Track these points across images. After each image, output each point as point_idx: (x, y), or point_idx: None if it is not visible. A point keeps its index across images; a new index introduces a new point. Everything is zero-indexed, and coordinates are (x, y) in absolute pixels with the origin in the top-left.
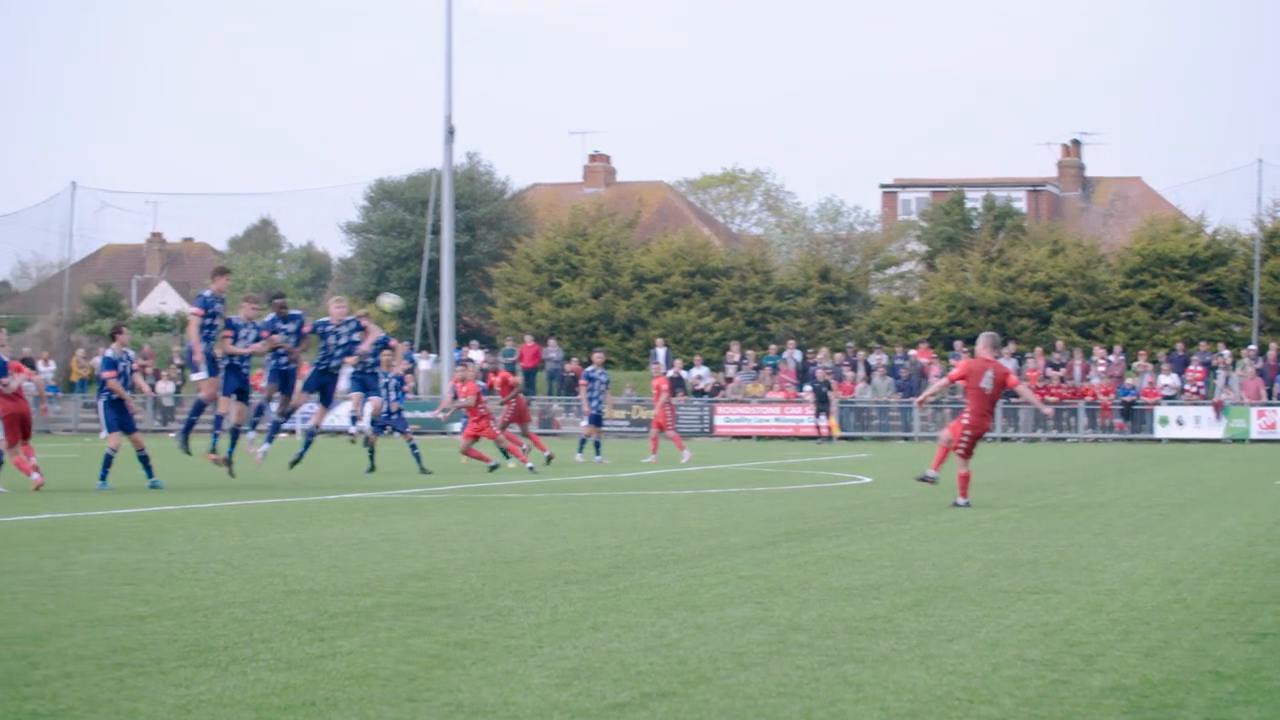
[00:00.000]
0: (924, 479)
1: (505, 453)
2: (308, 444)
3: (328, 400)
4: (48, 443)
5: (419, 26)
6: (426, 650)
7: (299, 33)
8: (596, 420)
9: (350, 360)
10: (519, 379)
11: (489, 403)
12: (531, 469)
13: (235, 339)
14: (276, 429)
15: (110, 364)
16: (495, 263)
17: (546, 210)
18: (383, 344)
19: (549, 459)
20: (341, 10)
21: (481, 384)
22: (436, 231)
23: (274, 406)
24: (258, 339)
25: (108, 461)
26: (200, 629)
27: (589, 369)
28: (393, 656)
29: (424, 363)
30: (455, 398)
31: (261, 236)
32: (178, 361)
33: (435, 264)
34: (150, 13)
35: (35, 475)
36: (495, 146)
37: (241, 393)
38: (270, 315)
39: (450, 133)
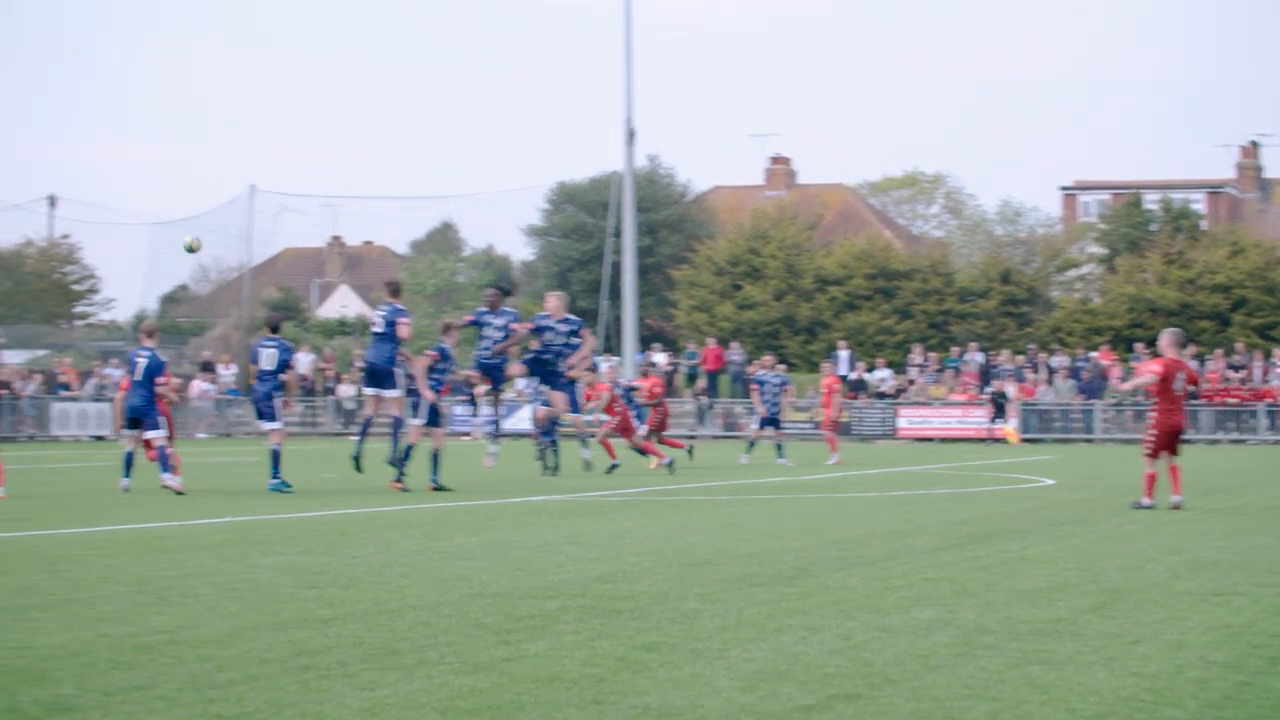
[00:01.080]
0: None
1: (641, 452)
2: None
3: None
4: (228, 446)
5: (599, 28)
6: (612, 653)
7: (478, 34)
8: (773, 423)
9: (567, 362)
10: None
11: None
12: (669, 464)
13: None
14: (498, 430)
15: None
16: (677, 265)
17: (728, 213)
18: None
19: (612, 467)
20: (521, 12)
21: (620, 386)
22: (618, 234)
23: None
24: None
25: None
26: (385, 632)
27: (759, 373)
28: (579, 659)
29: (605, 366)
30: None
31: (443, 240)
32: (359, 365)
33: (617, 267)
34: (329, 16)
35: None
36: (676, 149)
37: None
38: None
39: (631, 135)
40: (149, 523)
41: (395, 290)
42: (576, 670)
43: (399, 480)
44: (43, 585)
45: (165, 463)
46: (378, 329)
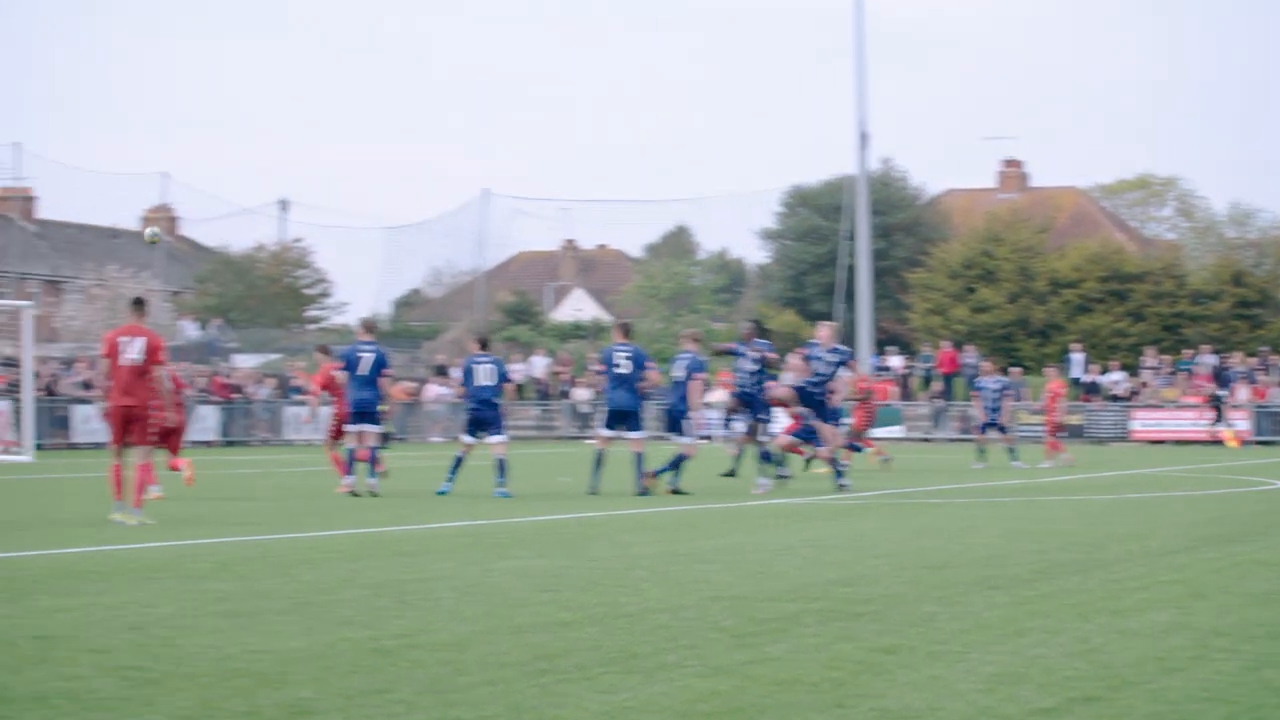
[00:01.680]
0: None
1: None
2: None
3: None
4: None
5: (830, 30)
6: (852, 656)
7: (710, 37)
8: (994, 428)
9: (832, 388)
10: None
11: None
12: (887, 460)
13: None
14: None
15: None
16: (911, 268)
17: (961, 215)
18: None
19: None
20: (754, 14)
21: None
22: (852, 238)
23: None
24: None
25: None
26: (624, 635)
27: (978, 379)
28: (819, 662)
29: (843, 370)
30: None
31: (676, 243)
32: (596, 368)
33: (852, 270)
34: (564, 21)
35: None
36: (908, 152)
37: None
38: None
39: (864, 139)
40: (387, 527)
41: (627, 330)
42: (817, 673)
43: (650, 478)
44: (281, 589)
45: (374, 466)
46: (622, 370)
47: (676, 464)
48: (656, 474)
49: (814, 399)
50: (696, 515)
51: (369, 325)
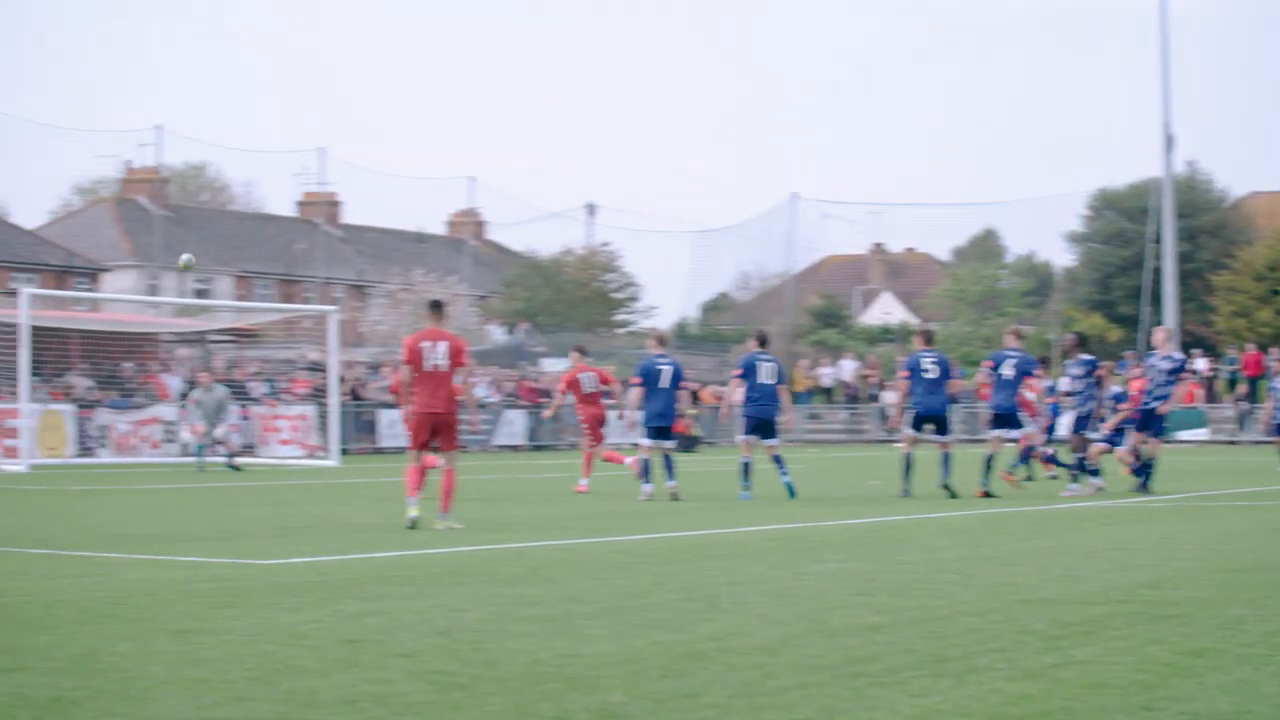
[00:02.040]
0: None
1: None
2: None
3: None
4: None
5: (1134, 30)
6: (1160, 659)
7: (1013, 41)
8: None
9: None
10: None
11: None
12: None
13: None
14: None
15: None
16: (1216, 271)
17: (1265, 218)
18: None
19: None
20: (1060, 15)
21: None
22: (1158, 240)
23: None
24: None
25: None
26: (935, 639)
27: (1273, 380)
28: (1127, 665)
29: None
30: None
31: (984, 246)
32: (901, 374)
33: (1158, 273)
34: (868, 29)
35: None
36: (1213, 153)
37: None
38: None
39: (1170, 141)
40: (697, 530)
41: (930, 337)
42: (1125, 676)
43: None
44: (590, 593)
45: (647, 473)
46: (929, 375)
47: (1025, 458)
48: (1011, 469)
49: (1145, 407)
50: (1003, 519)
51: (661, 338)
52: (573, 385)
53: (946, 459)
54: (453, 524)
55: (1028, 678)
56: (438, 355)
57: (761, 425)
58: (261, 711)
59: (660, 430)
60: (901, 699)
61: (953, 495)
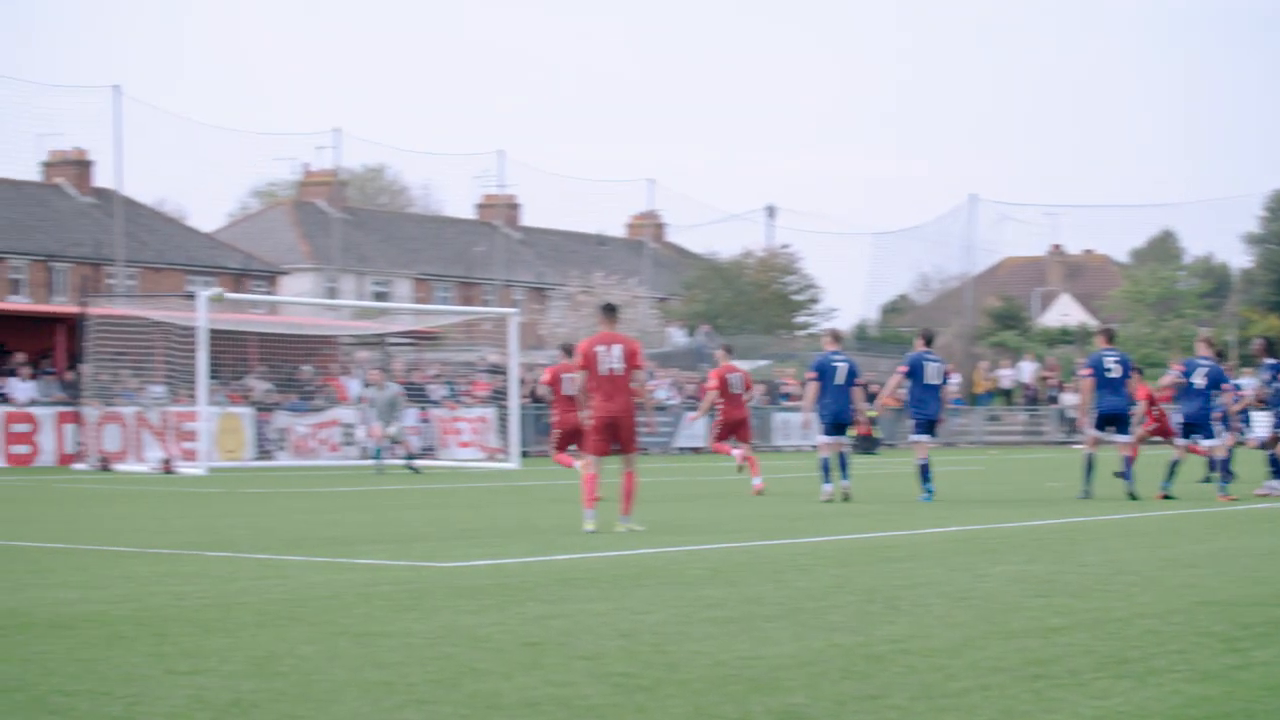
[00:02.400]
0: None
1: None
2: None
3: None
4: (951, 455)
5: None
6: None
7: (1186, 39)
8: None
9: None
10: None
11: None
12: None
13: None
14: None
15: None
16: None
17: None
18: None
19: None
20: (1236, 17)
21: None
22: None
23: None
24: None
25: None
26: (1114, 641)
27: None
28: None
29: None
30: None
31: (1162, 247)
32: (1083, 373)
33: None
34: (1052, 23)
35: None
36: None
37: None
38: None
39: None
40: (876, 532)
41: (1112, 336)
42: None
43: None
44: (771, 595)
45: (827, 473)
46: (1112, 374)
47: (1225, 468)
48: (1222, 487)
49: None
50: (1182, 520)
51: (836, 336)
52: (721, 385)
53: (1127, 462)
54: (634, 526)
55: (1207, 680)
56: (613, 359)
57: (930, 424)
58: (444, 714)
59: (837, 427)
60: (1082, 701)
61: (1133, 497)
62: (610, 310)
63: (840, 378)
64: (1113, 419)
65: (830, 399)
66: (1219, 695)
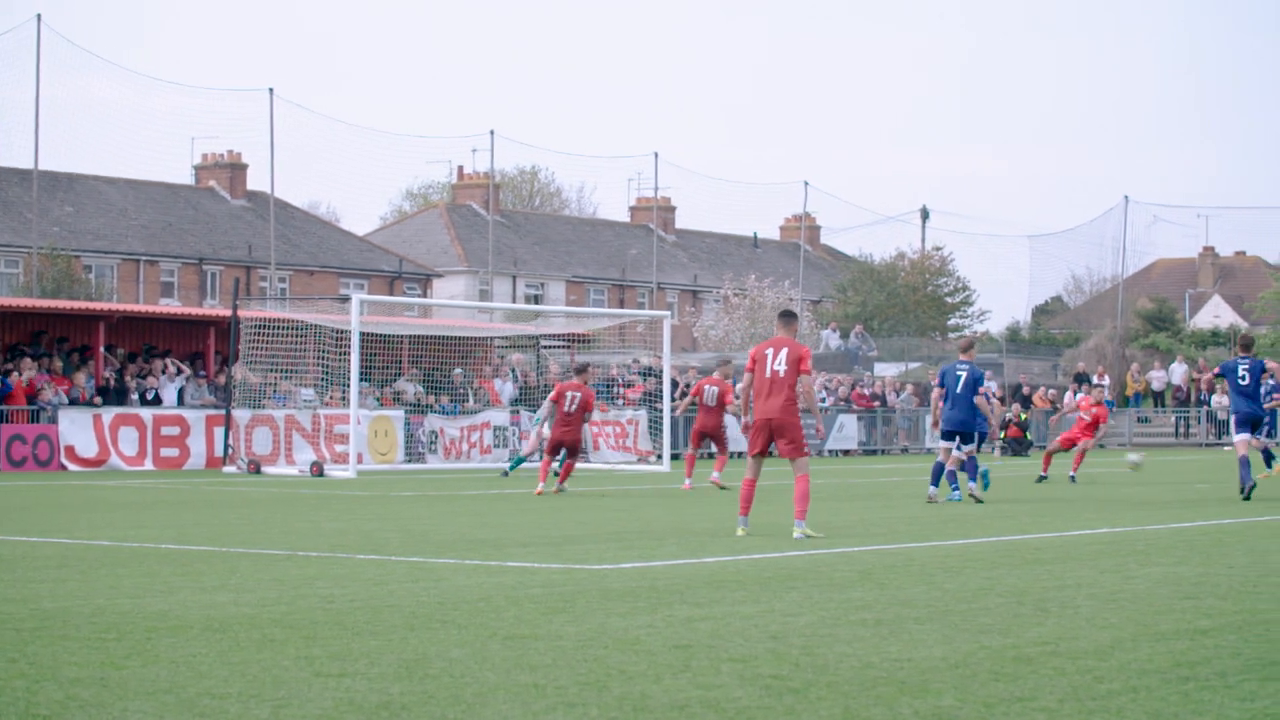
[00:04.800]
0: None
1: None
2: None
3: None
4: (1102, 457)
5: None
6: None
7: None
8: None
9: None
10: None
11: None
12: None
13: None
14: None
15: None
16: None
17: None
18: None
19: None
20: None
21: None
22: None
23: None
24: None
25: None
26: (1263, 643)
27: None
28: None
29: None
30: None
31: None
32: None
33: None
34: (1214, 23)
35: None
36: None
37: None
38: None
39: None
40: (1025, 534)
41: (1248, 345)
42: None
43: None
44: (921, 597)
45: (974, 472)
46: (1244, 381)
47: None
48: None
49: None
50: None
51: (966, 345)
52: (698, 393)
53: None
54: (808, 532)
55: None
56: (777, 362)
57: (952, 433)
58: (593, 716)
59: (950, 434)
60: (1230, 703)
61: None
62: (787, 316)
63: (961, 386)
64: (1249, 423)
65: (949, 406)
66: None
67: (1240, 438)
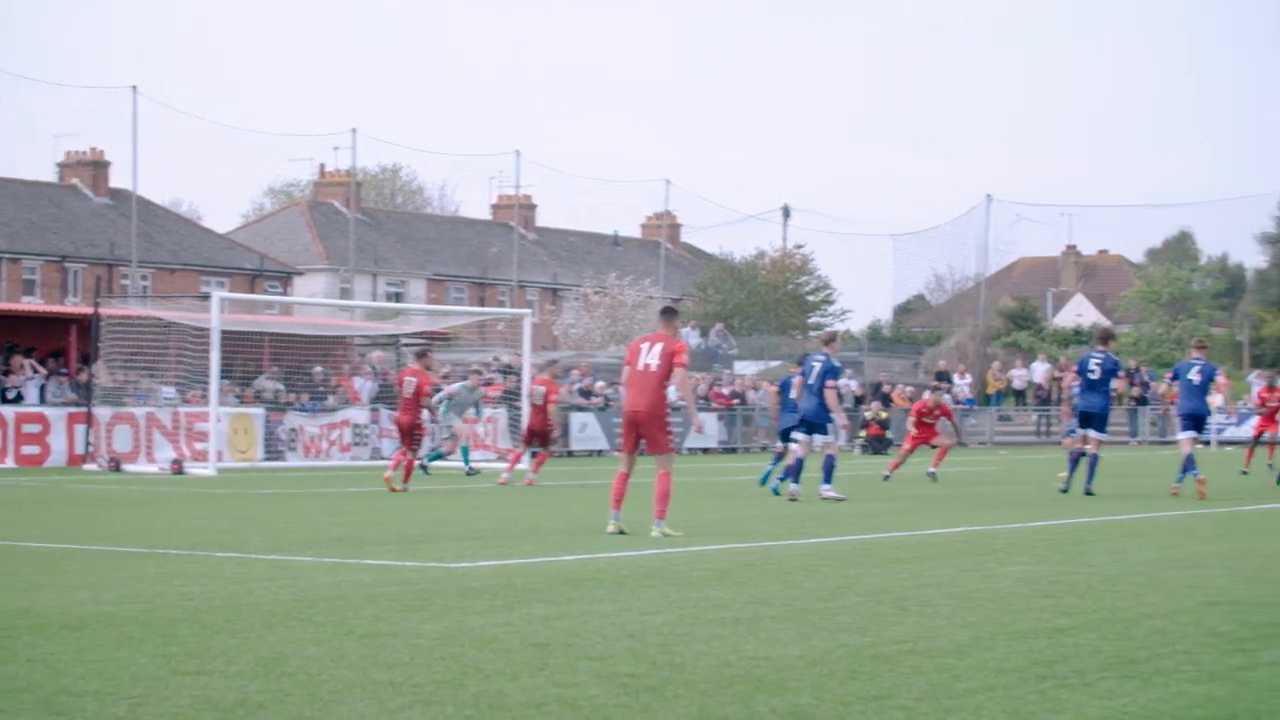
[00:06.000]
0: None
1: None
2: None
3: None
4: (964, 456)
5: None
6: None
7: (1200, 38)
8: None
9: None
10: None
11: None
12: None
13: None
14: None
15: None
16: None
17: None
18: None
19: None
20: (1252, 14)
21: None
22: None
23: None
24: None
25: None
26: (1121, 641)
27: None
28: None
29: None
30: None
31: (1179, 247)
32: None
33: None
34: (1064, 29)
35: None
36: None
37: None
38: None
39: None
40: (884, 533)
41: (1105, 338)
42: None
43: None
44: (778, 596)
45: (797, 474)
46: (1093, 376)
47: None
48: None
49: None
50: (1190, 520)
51: (827, 338)
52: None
53: (1094, 461)
54: (667, 530)
55: (1213, 680)
56: (650, 355)
57: (790, 430)
58: (449, 714)
59: (802, 425)
60: (1088, 701)
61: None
62: (667, 312)
63: (814, 377)
64: (1089, 418)
65: (805, 396)
66: (1225, 696)
67: (1185, 435)
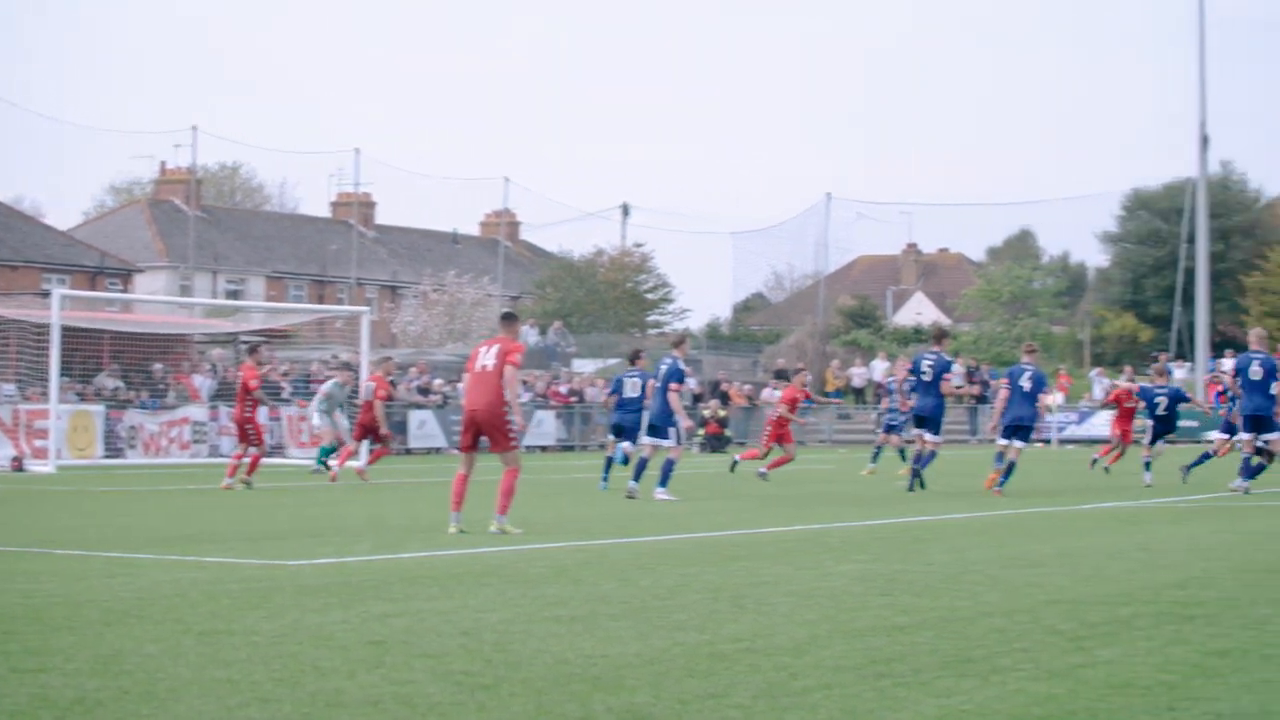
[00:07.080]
0: None
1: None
2: None
3: None
4: (801, 454)
5: (1171, 32)
6: (1185, 659)
7: (1048, 38)
8: None
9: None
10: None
11: None
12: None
13: None
14: None
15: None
16: (1248, 271)
17: None
18: None
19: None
20: (1093, 15)
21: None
22: (1191, 240)
23: None
24: None
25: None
26: (959, 639)
27: None
28: (1151, 665)
29: (1179, 372)
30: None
31: (1020, 246)
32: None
33: (1190, 273)
34: (907, 28)
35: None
36: (1246, 153)
37: None
38: None
39: (1204, 142)
40: (721, 531)
41: (939, 337)
42: (1149, 676)
43: None
44: (616, 594)
45: (638, 473)
46: (925, 377)
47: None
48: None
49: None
50: (1030, 519)
51: (676, 340)
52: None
53: (930, 458)
54: (507, 527)
55: (1052, 678)
56: (487, 357)
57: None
58: (286, 712)
59: (652, 429)
60: (925, 700)
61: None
62: (507, 318)
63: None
64: (922, 419)
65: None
66: (1063, 693)
67: (1006, 443)
